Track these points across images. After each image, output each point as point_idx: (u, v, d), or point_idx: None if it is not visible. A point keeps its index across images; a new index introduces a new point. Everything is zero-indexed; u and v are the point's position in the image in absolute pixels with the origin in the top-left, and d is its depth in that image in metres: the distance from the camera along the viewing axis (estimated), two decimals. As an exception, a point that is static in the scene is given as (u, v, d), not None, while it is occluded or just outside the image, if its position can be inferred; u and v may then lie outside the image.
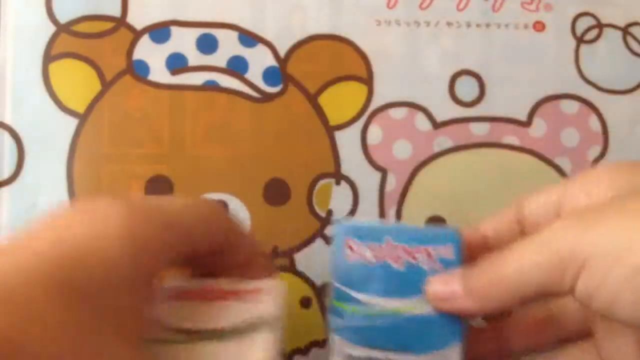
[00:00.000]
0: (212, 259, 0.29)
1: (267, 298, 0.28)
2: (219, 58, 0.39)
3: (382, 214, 0.39)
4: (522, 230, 0.30)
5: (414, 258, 0.29)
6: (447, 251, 0.29)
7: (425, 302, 0.29)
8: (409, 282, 0.29)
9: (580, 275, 0.24)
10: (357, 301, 0.29)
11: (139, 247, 0.24)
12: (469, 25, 0.41)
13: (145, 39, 0.39)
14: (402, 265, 0.29)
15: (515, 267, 0.26)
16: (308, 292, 0.39)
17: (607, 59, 0.41)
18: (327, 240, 0.39)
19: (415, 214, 0.40)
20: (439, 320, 0.29)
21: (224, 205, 0.29)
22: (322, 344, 0.38)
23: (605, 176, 0.28)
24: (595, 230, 0.25)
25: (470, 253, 0.30)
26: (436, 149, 0.40)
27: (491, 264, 0.27)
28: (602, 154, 0.41)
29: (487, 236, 0.31)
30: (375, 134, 0.40)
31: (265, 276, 0.30)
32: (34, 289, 0.22)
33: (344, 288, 0.29)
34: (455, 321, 0.29)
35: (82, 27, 0.38)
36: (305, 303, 0.39)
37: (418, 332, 0.29)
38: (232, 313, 0.27)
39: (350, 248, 0.29)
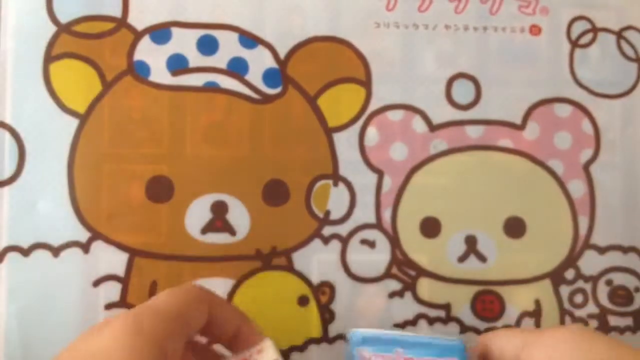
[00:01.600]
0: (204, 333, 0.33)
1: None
2: (220, 59, 0.39)
3: (378, 214, 0.40)
4: None
5: None
6: None
7: None
8: None
9: None
10: None
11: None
12: (466, 28, 0.41)
13: (145, 40, 0.39)
14: None
15: None
16: (305, 290, 0.39)
17: (600, 62, 0.42)
18: (325, 240, 0.40)
19: (410, 215, 0.40)
20: None
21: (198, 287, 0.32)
22: (319, 341, 0.39)
23: (566, 345, 0.30)
24: None
25: None
26: (432, 151, 0.41)
27: None
28: (594, 157, 0.41)
29: None
30: (372, 135, 0.40)
31: (257, 340, 0.33)
32: None
33: None
34: None
35: (82, 28, 0.38)
36: (302, 301, 0.39)
37: None
38: None
39: (363, 357, 0.31)
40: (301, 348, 0.39)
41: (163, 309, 0.29)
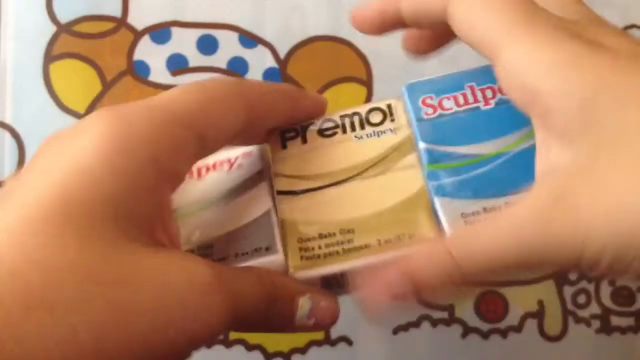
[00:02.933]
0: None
1: None
2: (220, 59, 0.39)
3: (380, 214, 0.40)
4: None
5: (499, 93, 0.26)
6: None
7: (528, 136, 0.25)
8: (500, 120, 0.26)
9: None
10: (450, 156, 0.26)
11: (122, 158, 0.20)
12: (468, 27, 0.41)
13: (145, 40, 0.39)
14: (493, 103, 0.26)
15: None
16: (306, 291, 0.39)
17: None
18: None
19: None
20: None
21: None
22: (320, 343, 0.39)
23: None
24: None
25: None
26: (434, 150, 0.40)
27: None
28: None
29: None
30: (374, 135, 0.40)
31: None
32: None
33: (432, 147, 0.26)
34: None
35: (82, 28, 0.38)
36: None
37: (523, 167, 0.24)
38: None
39: (429, 105, 0.27)
40: (303, 350, 0.39)
41: (167, 113, 0.21)
